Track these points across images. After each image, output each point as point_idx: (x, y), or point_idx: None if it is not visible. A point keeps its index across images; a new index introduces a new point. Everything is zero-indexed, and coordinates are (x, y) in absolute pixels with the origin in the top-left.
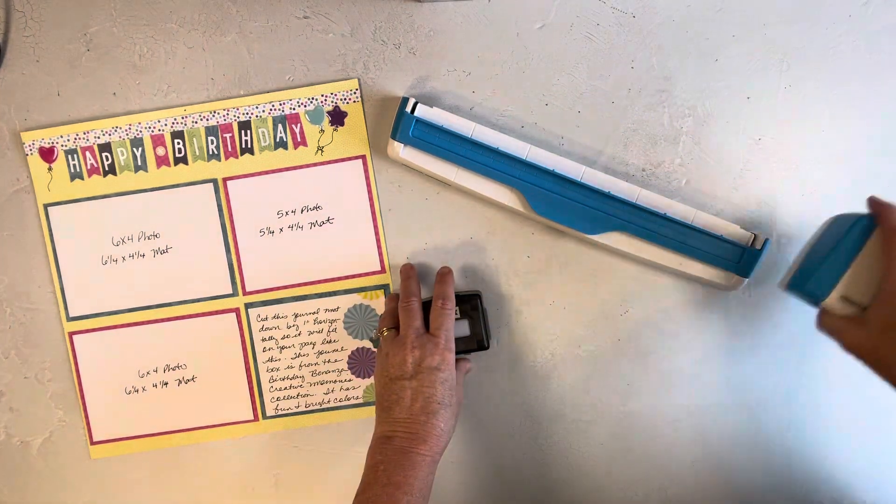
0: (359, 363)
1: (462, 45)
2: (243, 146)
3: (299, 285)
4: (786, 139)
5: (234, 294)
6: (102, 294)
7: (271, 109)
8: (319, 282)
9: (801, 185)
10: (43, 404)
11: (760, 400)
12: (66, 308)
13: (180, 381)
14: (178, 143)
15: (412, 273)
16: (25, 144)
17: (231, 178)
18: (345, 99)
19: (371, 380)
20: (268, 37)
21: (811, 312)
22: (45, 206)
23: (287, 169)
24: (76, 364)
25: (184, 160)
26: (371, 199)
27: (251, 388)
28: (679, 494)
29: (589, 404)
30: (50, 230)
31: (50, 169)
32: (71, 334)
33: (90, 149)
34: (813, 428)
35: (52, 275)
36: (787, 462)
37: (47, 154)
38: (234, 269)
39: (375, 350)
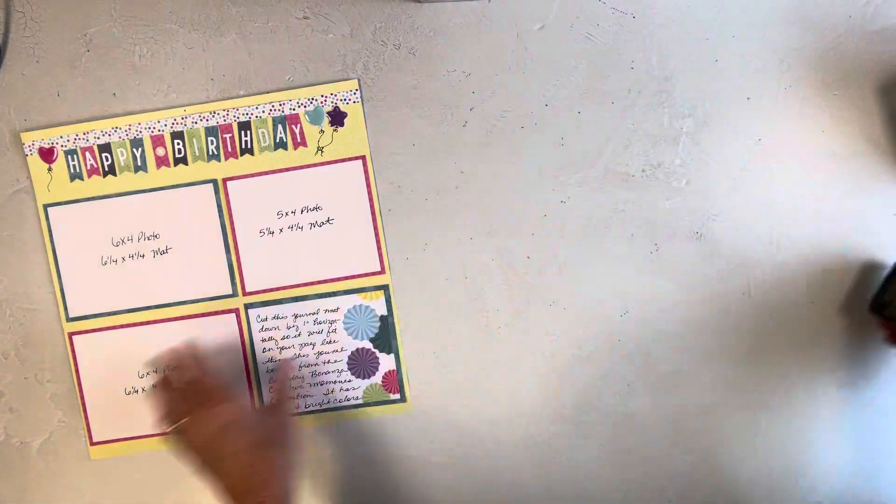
0: (358, 364)
1: (462, 46)
2: (243, 147)
3: (299, 286)
4: (786, 139)
5: (234, 294)
6: (102, 294)
7: (271, 110)
8: (319, 282)
9: (801, 185)
10: (43, 405)
11: (760, 400)
12: (65, 308)
13: None
14: (178, 144)
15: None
16: (25, 145)
17: (231, 179)
18: (345, 99)
19: (371, 380)
20: (268, 37)
21: (811, 312)
22: (45, 207)
23: (287, 169)
24: (76, 364)
25: (183, 160)
26: (371, 199)
27: (251, 389)
28: (679, 495)
29: (589, 405)
30: (49, 230)
31: (50, 169)
32: (71, 335)
33: (90, 149)
34: (813, 428)
35: (52, 275)
36: (787, 462)
37: (47, 154)
38: (234, 270)
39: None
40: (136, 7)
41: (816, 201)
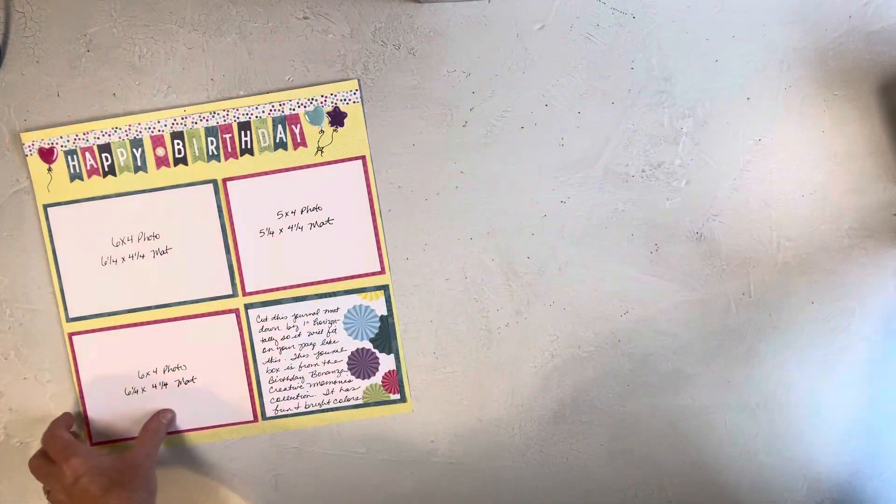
0: (359, 364)
1: (462, 46)
2: (243, 147)
3: (299, 286)
4: (786, 139)
5: (234, 295)
6: (102, 295)
7: (271, 110)
8: (319, 282)
9: (801, 185)
10: (43, 405)
11: (760, 400)
12: (65, 309)
13: (180, 382)
14: (178, 144)
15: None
16: (25, 145)
17: (231, 179)
18: (345, 99)
19: (371, 380)
20: (268, 37)
21: (811, 312)
22: (45, 207)
23: (287, 169)
24: (76, 365)
25: (183, 161)
26: (371, 199)
27: (251, 389)
28: (679, 495)
29: (589, 405)
30: (49, 231)
31: (49, 169)
32: (70, 335)
33: (90, 149)
34: (813, 429)
35: (52, 275)
36: (788, 463)
37: (47, 155)
38: (234, 270)
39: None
40: (136, 7)
41: (816, 201)
